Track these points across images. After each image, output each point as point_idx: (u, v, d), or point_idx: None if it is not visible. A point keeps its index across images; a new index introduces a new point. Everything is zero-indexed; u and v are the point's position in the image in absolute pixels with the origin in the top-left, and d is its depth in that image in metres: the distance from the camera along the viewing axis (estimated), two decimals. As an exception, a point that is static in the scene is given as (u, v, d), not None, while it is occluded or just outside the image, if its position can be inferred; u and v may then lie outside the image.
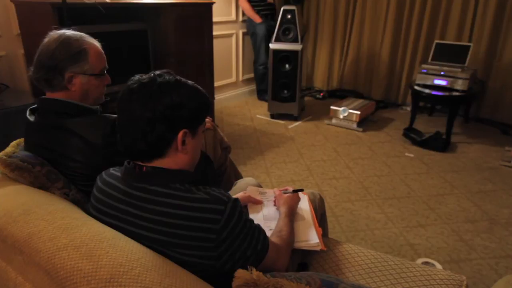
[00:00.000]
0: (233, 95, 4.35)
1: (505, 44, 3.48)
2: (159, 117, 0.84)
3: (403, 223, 2.13)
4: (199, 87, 0.93)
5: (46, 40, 1.15)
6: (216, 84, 3.66)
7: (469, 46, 3.18)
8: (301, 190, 1.27)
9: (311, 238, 1.14)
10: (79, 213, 0.89)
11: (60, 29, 1.19)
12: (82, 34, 1.19)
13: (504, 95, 3.56)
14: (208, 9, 2.96)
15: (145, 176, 0.87)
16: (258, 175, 2.65)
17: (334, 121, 3.64)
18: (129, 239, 0.80)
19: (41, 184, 1.03)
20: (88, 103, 1.20)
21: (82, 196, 1.09)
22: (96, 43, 1.20)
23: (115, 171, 0.95)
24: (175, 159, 0.89)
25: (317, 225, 1.21)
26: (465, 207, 2.30)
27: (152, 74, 0.89)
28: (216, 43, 3.68)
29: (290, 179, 2.61)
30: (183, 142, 0.88)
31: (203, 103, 0.92)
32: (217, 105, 3.88)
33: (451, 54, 3.23)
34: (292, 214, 1.16)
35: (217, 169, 1.61)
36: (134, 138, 0.86)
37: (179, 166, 0.90)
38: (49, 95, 1.18)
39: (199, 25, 2.93)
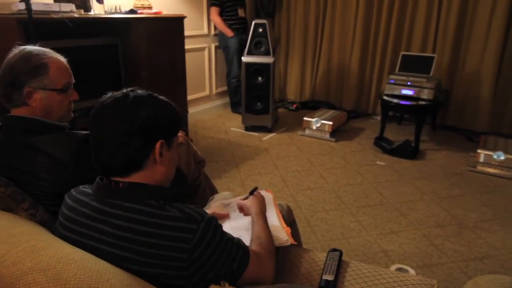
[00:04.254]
0: (207, 108, 4.34)
1: (466, 55, 3.66)
2: (136, 129, 0.84)
3: (376, 231, 2.17)
4: (171, 102, 0.94)
5: (8, 55, 1.12)
6: (189, 97, 3.66)
7: (433, 57, 3.32)
8: (256, 188, 1.27)
9: (279, 236, 1.15)
10: (45, 235, 0.86)
11: (25, 44, 1.17)
12: (46, 49, 1.17)
13: (467, 103, 3.72)
14: (180, 23, 2.97)
15: (121, 192, 0.86)
16: (233, 188, 2.64)
17: (307, 132, 3.69)
18: (98, 259, 0.78)
19: (6, 205, 0.99)
20: (53, 119, 1.17)
21: (50, 216, 1.05)
22: (60, 57, 1.18)
23: (85, 188, 0.93)
24: (153, 172, 0.89)
25: (284, 223, 1.22)
26: (435, 212, 2.38)
27: (124, 90, 0.90)
28: (188, 56, 3.68)
29: (266, 190, 2.61)
30: (161, 154, 0.88)
31: (176, 116, 0.94)
32: (191, 119, 3.86)
33: (416, 65, 3.36)
34: (263, 213, 1.14)
35: (191, 184, 1.59)
36: (111, 154, 0.85)
37: (157, 180, 0.90)
38: (13, 112, 1.14)
39: (171, 39, 2.93)
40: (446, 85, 3.74)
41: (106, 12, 2.63)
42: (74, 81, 1.23)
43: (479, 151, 2.91)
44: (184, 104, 3.17)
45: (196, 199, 1.61)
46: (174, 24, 2.94)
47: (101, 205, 0.86)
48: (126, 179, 0.87)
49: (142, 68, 2.74)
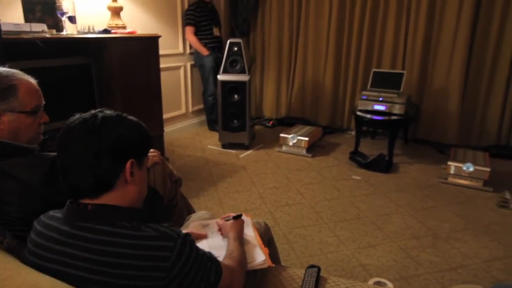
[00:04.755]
0: (184, 126, 4.32)
1: (434, 71, 3.82)
2: (106, 149, 0.83)
3: (354, 245, 2.19)
4: (140, 121, 0.94)
5: None
6: (165, 116, 3.63)
7: (402, 74, 3.45)
8: (240, 215, 1.29)
9: (257, 258, 1.17)
10: (13, 263, 0.83)
11: (-7, 66, 1.14)
12: (15, 70, 1.14)
13: (437, 117, 3.86)
14: (155, 43, 2.98)
15: (91, 215, 0.84)
16: (211, 206, 2.62)
17: (284, 148, 3.72)
18: (69, 286, 0.76)
19: (-29, 233, 0.95)
20: (21, 142, 1.14)
21: (18, 242, 1.01)
22: (30, 79, 1.16)
23: (55, 213, 0.91)
24: (124, 192, 0.88)
25: (262, 244, 1.24)
26: (410, 224, 2.42)
27: (93, 111, 0.89)
28: (164, 75, 3.68)
29: (244, 208, 2.61)
30: (131, 173, 0.87)
31: (146, 135, 0.94)
32: (167, 137, 3.82)
33: (387, 81, 3.47)
34: (240, 238, 1.19)
35: (167, 204, 1.57)
36: (79, 175, 0.84)
37: (128, 201, 0.89)
38: (-21, 136, 1.11)
39: (146, 58, 2.93)
40: (416, 100, 3.87)
41: (79, 32, 2.61)
42: (44, 102, 1.20)
43: (449, 163, 3.01)
44: (160, 123, 3.14)
45: (173, 219, 1.59)
46: (149, 44, 2.94)
47: (71, 229, 0.84)
48: (96, 201, 0.86)
49: (117, 87, 2.71)
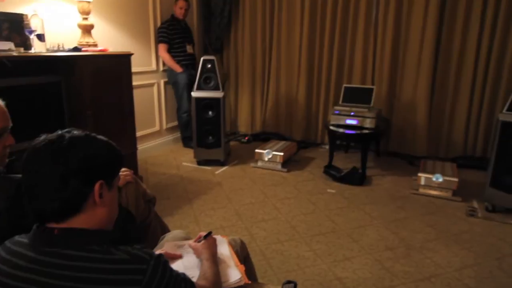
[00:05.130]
0: (158, 144, 4.27)
1: (402, 86, 3.96)
2: (73, 170, 0.81)
3: (330, 258, 2.21)
4: (110, 141, 0.92)
5: None
6: (138, 133, 3.58)
7: (372, 89, 3.56)
8: (210, 233, 1.28)
9: (232, 276, 1.17)
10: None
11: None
12: None
13: (406, 130, 3.99)
14: (127, 61, 2.96)
15: (57, 239, 0.81)
16: (186, 225, 2.58)
17: (259, 163, 3.73)
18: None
19: None
20: None
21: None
22: None
23: (21, 238, 0.87)
24: (93, 215, 0.85)
25: (238, 262, 1.24)
26: (384, 235, 2.47)
27: (59, 132, 0.87)
28: (137, 93, 3.64)
29: (220, 225, 2.58)
30: (100, 195, 0.85)
31: (116, 155, 0.91)
32: (141, 155, 3.76)
33: (358, 96, 3.57)
34: (213, 257, 1.18)
35: (140, 224, 1.54)
36: (45, 199, 0.81)
37: (97, 223, 0.86)
38: None
39: (118, 76, 2.90)
40: (386, 114, 3.99)
41: (48, 50, 2.56)
42: (11, 124, 1.17)
43: (419, 174, 3.10)
44: (133, 141, 3.10)
45: (147, 240, 1.56)
46: (121, 61, 2.92)
47: (37, 255, 0.81)
48: (63, 225, 0.83)
49: (88, 106, 2.66)
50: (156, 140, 4.26)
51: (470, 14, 3.57)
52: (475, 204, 2.93)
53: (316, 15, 4.17)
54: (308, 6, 4.15)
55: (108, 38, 3.45)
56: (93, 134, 0.90)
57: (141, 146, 3.86)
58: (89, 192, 0.84)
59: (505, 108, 2.63)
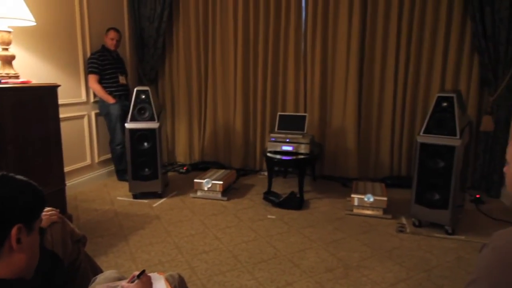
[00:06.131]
0: (89, 178, 4.03)
1: (332, 113, 4.21)
2: None
3: (273, 285, 2.20)
4: (31, 181, 0.86)
5: None
6: (67, 168, 3.37)
7: (305, 116, 3.72)
8: (143, 271, 1.22)
9: None
10: None
11: None
12: None
13: (338, 154, 4.21)
14: (53, 92, 2.80)
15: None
16: (122, 263, 2.43)
17: (199, 193, 3.68)
18: None
19: None
20: None
21: None
22: None
23: None
24: (9, 262, 0.77)
25: None
26: (324, 257, 2.53)
27: None
28: (65, 125, 3.47)
29: (158, 261, 2.47)
30: (18, 240, 0.78)
31: (36, 196, 0.85)
32: (70, 192, 3.53)
33: (292, 123, 3.71)
34: None
35: (68, 267, 1.42)
36: None
37: (14, 271, 0.78)
38: None
39: (43, 109, 2.73)
40: (319, 139, 4.19)
41: (-40, 82, 2.35)
42: None
43: (352, 195, 3.26)
44: (60, 177, 2.89)
45: (76, 283, 1.44)
46: (46, 93, 2.76)
47: None
48: None
49: (8, 141, 2.45)
50: (87, 175, 4.02)
51: (386, 52, 3.96)
52: (403, 220, 3.14)
53: (249, 46, 4.33)
54: (241, 38, 4.30)
55: (32, 69, 3.26)
56: (11, 174, 0.83)
57: (70, 182, 3.62)
58: (5, 237, 0.77)
59: (422, 131, 2.90)
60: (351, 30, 3.98)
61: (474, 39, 3.62)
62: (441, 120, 2.82)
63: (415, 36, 3.85)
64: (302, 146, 3.49)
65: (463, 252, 2.60)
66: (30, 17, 2.74)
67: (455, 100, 2.79)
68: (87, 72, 3.88)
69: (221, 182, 3.59)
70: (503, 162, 1.02)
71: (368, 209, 3.23)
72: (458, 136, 2.74)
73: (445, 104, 2.83)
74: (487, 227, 3.01)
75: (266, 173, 4.09)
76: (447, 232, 2.86)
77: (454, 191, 2.77)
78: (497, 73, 3.55)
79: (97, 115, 4.08)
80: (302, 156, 3.48)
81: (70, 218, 2.94)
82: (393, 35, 3.89)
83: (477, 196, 3.55)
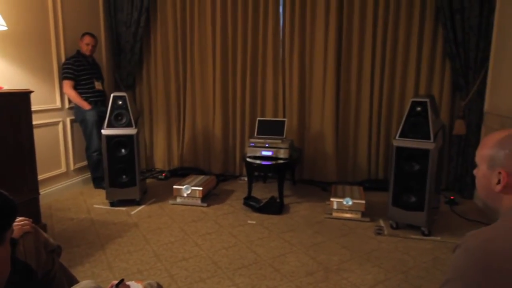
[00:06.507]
0: (65, 186, 3.92)
1: (310, 118, 4.25)
2: None
3: (254, 291, 2.20)
4: (1, 190, 0.83)
5: None
6: (42, 177, 3.28)
7: (284, 121, 3.75)
8: (122, 280, 1.20)
9: None
10: None
11: None
12: None
13: (317, 158, 4.26)
14: (26, 99, 2.72)
15: None
16: (98, 273, 2.37)
17: (178, 200, 3.64)
18: None
19: None
20: None
21: None
22: None
23: None
24: None
25: None
26: (304, 261, 2.54)
27: None
28: (39, 132, 3.38)
29: (137, 269, 2.42)
30: None
31: (6, 206, 0.82)
32: (44, 200, 3.42)
33: (271, 128, 3.73)
34: None
35: (43, 279, 1.38)
36: None
37: None
38: None
39: (15, 115, 2.64)
40: (298, 144, 4.22)
41: None
42: None
43: (332, 199, 3.29)
44: (34, 185, 2.80)
45: (51, 295, 1.40)
46: (18, 99, 2.68)
47: None
48: None
49: (-23, 149, 2.37)
50: (62, 183, 3.91)
51: (362, 58, 4.05)
52: (381, 223, 3.19)
53: (228, 52, 4.34)
54: (219, 44, 4.30)
55: (4, 75, 3.17)
56: None
57: (44, 190, 3.51)
58: None
59: (397, 135, 2.97)
60: (328, 37, 4.05)
61: (445, 45, 3.74)
62: (415, 125, 2.90)
63: (389, 43, 3.95)
64: (282, 151, 3.51)
65: (439, 252, 2.67)
66: (1, 21, 2.66)
67: (428, 105, 2.87)
68: (62, 77, 3.79)
69: (201, 188, 3.57)
70: (475, 164, 1.06)
71: (347, 213, 3.27)
72: (432, 140, 2.82)
73: (419, 108, 2.90)
74: (461, 227, 3.10)
75: (246, 178, 4.08)
76: (423, 233, 2.93)
77: (429, 193, 2.84)
78: (468, 78, 3.68)
79: (72, 121, 3.99)
80: (281, 161, 3.50)
81: (44, 227, 2.85)
82: (369, 42, 3.98)
83: (451, 197, 3.65)
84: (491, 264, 0.79)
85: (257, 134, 3.74)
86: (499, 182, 0.94)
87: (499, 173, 0.94)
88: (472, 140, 3.74)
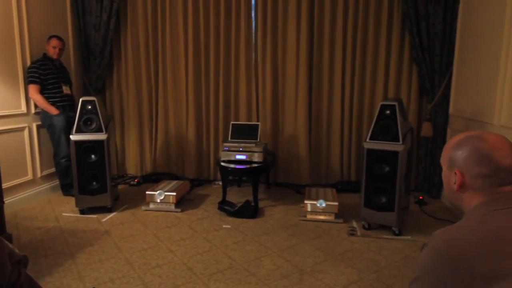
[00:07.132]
0: (31, 194, 3.77)
1: (283, 121, 4.29)
2: None
3: (229, 296, 2.18)
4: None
5: None
6: (6, 185, 3.15)
7: (257, 125, 3.76)
8: None
9: None
10: None
11: None
12: None
13: (291, 162, 4.29)
14: (-12, 103, 2.60)
15: None
16: (68, 283, 2.29)
17: (151, 206, 3.57)
18: None
19: None
20: None
21: None
22: None
23: None
24: None
25: None
26: (279, 264, 2.55)
27: None
28: (3, 138, 3.26)
29: (109, 278, 2.36)
30: None
31: None
32: (9, 210, 3.28)
33: (245, 132, 3.74)
34: None
35: (7, 291, 1.32)
36: None
37: None
38: None
39: (-24, 121, 2.52)
40: (272, 147, 4.25)
41: None
42: None
43: (305, 202, 3.33)
44: (-2, 194, 2.68)
45: (16, 308, 1.33)
46: (-20, 104, 2.56)
47: None
48: None
49: None
50: (29, 191, 3.76)
51: (333, 63, 4.14)
52: (354, 224, 3.25)
53: (200, 55, 4.32)
54: (191, 47, 4.28)
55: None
56: None
57: (9, 199, 3.37)
58: None
59: (368, 137, 3.04)
60: (300, 42, 4.11)
61: (412, 51, 3.87)
62: (385, 127, 2.98)
63: (359, 48, 4.05)
64: (256, 154, 3.52)
65: (409, 251, 2.74)
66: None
67: (397, 108, 2.96)
68: (27, 82, 3.65)
69: (174, 194, 3.52)
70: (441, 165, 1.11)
71: (320, 215, 3.31)
72: (401, 142, 2.90)
73: (388, 112, 2.99)
74: (430, 226, 3.21)
75: (220, 183, 4.07)
76: (394, 233, 3.01)
77: (399, 194, 2.92)
78: (434, 82, 3.83)
79: (39, 127, 3.85)
80: (255, 165, 3.51)
81: (9, 237, 2.73)
82: (339, 47, 4.07)
83: (420, 197, 3.78)
84: (456, 261, 0.82)
85: (231, 138, 3.73)
86: (456, 182, 0.99)
87: (455, 173, 0.99)
88: (439, 141, 3.88)
